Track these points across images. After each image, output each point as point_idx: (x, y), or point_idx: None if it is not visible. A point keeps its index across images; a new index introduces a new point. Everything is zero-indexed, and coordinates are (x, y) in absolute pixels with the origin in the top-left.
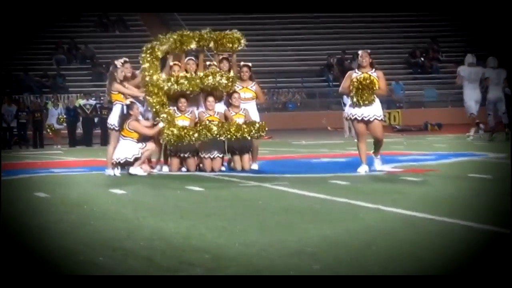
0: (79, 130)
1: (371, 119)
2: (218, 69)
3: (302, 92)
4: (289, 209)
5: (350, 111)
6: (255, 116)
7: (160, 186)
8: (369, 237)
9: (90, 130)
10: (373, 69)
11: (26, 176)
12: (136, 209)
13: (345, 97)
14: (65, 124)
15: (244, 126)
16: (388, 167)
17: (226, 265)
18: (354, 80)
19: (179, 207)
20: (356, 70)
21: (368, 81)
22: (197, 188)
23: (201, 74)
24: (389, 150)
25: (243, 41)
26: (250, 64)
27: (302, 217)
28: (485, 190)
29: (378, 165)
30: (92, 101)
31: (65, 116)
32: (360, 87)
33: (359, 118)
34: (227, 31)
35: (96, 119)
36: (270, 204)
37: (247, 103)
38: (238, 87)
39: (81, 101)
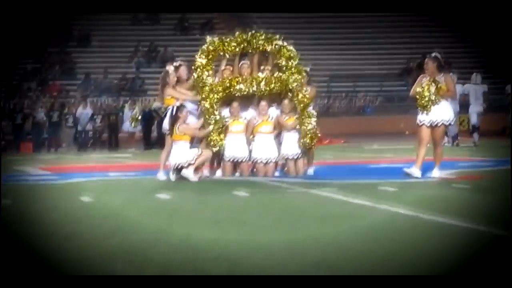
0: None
1: (438, 124)
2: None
3: (380, 96)
4: (327, 216)
5: (418, 117)
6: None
7: (206, 191)
8: (397, 246)
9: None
10: (441, 74)
11: (80, 180)
12: (172, 215)
13: None
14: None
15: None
16: (443, 173)
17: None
18: (420, 89)
19: (216, 214)
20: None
21: (434, 89)
22: (242, 194)
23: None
24: (453, 155)
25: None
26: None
27: (336, 226)
28: None
29: (435, 171)
30: None
31: (139, 118)
32: (426, 98)
33: (427, 125)
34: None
35: None
36: (309, 211)
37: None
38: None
39: (156, 104)
